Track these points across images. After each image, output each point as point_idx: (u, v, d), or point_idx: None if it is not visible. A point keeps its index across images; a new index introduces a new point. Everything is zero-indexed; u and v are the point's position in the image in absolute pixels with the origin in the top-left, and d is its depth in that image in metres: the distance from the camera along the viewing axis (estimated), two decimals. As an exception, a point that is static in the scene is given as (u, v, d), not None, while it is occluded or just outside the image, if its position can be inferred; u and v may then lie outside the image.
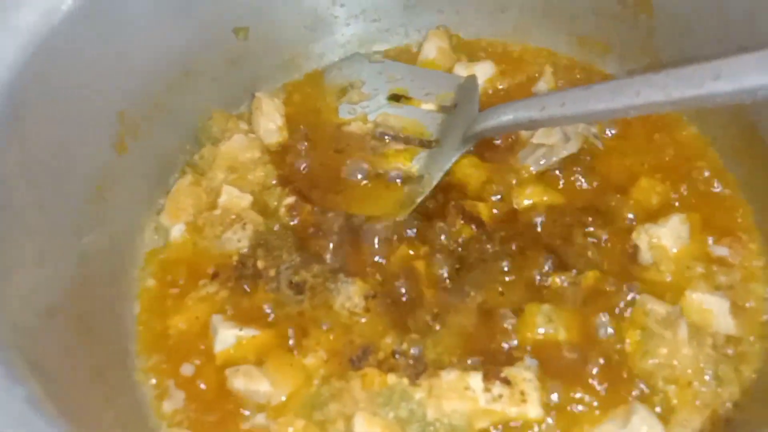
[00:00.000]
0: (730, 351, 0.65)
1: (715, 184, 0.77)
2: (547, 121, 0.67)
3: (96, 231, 0.71)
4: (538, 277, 0.70)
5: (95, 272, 0.69)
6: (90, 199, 0.70)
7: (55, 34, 0.63)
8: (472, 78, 0.85)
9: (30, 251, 0.59)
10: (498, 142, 0.81)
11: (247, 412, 0.65)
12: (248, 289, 0.73)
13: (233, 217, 0.78)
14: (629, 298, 0.68)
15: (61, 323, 0.59)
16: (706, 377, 0.63)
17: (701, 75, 0.55)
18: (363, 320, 0.70)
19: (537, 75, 0.88)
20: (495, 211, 0.76)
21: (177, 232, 0.78)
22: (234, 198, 0.79)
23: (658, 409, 0.62)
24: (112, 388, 0.63)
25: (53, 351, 0.55)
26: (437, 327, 0.69)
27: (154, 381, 0.68)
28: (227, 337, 0.69)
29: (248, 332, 0.69)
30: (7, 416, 0.40)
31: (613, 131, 0.82)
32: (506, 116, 0.70)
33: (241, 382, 0.65)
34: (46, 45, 0.62)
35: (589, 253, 0.72)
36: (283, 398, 0.65)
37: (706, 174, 0.77)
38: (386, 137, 0.84)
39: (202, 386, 0.67)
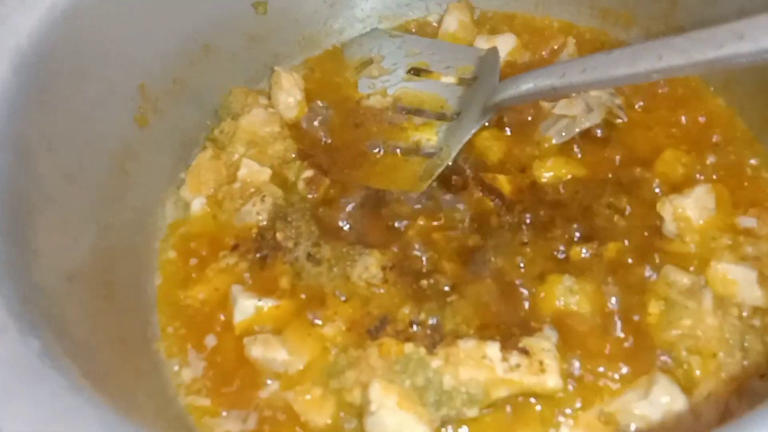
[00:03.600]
0: (756, 322, 0.63)
1: (743, 155, 0.75)
2: (568, 87, 0.65)
3: (118, 203, 0.72)
4: (559, 249, 0.69)
5: (117, 243, 0.70)
6: (112, 171, 0.71)
7: (75, 4, 0.64)
8: (494, 50, 0.84)
9: (52, 219, 0.60)
10: (521, 115, 0.79)
11: (264, 381, 0.65)
12: (267, 261, 0.73)
13: (252, 190, 0.78)
14: (651, 270, 0.66)
15: (83, 289, 0.60)
16: (732, 348, 0.61)
17: (723, 36, 0.54)
18: (380, 291, 0.69)
19: (559, 47, 0.86)
20: (516, 183, 0.75)
21: (198, 205, 0.79)
22: (253, 171, 0.79)
23: (681, 381, 0.61)
24: (132, 355, 0.63)
25: (74, 314, 0.55)
26: (455, 297, 0.68)
27: (173, 350, 0.69)
28: (247, 307, 0.69)
29: (267, 302, 0.69)
30: (19, 370, 0.40)
31: (637, 103, 0.80)
32: (526, 85, 0.69)
33: (259, 350, 0.65)
34: (66, 15, 0.63)
35: (612, 225, 0.70)
36: (301, 367, 0.65)
37: (733, 145, 0.75)
38: (405, 111, 0.84)
39: (221, 355, 0.68)
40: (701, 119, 0.78)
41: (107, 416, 0.40)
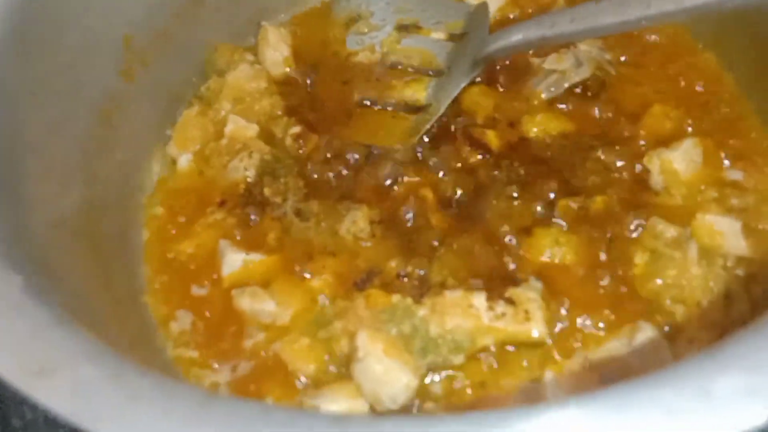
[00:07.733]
0: (740, 272, 0.63)
1: (731, 110, 0.75)
2: (557, 37, 0.65)
3: (104, 155, 0.71)
4: (546, 203, 0.70)
5: (105, 196, 0.70)
6: (97, 123, 0.70)
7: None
8: (483, 5, 0.83)
9: (35, 167, 0.60)
10: (512, 71, 0.79)
11: (252, 332, 0.66)
12: (255, 216, 0.73)
13: (239, 146, 0.77)
14: (637, 223, 0.67)
15: (70, 236, 0.60)
16: (716, 297, 0.62)
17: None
18: (368, 245, 0.69)
19: (550, 3, 0.85)
20: (504, 138, 0.75)
21: (184, 161, 0.78)
22: (240, 127, 0.78)
23: (665, 329, 0.61)
24: (119, 304, 0.63)
25: (60, 256, 0.55)
26: (442, 250, 0.68)
27: (161, 303, 0.69)
28: (234, 260, 0.69)
29: (255, 256, 0.69)
30: (1, 305, 0.40)
31: (626, 58, 0.80)
32: (516, 36, 0.68)
33: (247, 301, 0.66)
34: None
35: (600, 179, 0.70)
36: (288, 318, 0.65)
37: (722, 100, 0.75)
38: (394, 67, 0.83)
39: (209, 308, 0.68)
40: (691, 75, 0.78)
41: (93, 348, 0.40)
